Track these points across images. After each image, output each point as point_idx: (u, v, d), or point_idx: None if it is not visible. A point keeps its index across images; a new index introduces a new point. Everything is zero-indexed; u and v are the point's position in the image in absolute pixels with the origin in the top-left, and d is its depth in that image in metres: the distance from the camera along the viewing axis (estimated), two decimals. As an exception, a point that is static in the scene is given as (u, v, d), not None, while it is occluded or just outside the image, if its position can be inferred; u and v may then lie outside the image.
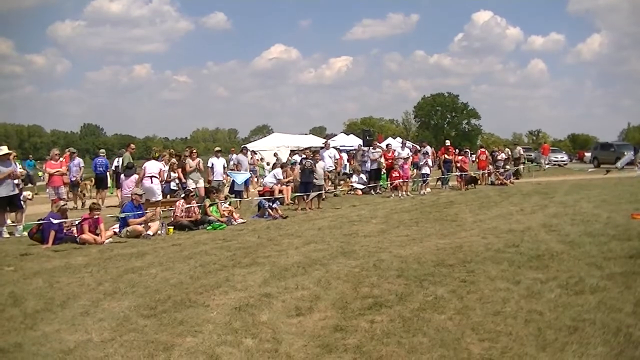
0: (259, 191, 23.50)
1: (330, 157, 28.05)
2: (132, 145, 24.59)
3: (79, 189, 27.16)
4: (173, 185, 22.83)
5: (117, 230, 16.27)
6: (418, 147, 35.04)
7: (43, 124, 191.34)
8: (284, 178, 24.15)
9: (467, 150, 39.82)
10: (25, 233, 15.97)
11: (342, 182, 30.42)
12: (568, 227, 14.83)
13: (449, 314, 7.68)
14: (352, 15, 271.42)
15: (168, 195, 22.34)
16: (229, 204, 20.34)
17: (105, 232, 15.33)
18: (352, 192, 28.57)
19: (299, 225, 17.34)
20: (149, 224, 16.32)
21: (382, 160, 29.45)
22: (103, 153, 29.76)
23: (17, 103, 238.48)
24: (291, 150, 36.38)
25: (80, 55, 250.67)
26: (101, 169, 26.76)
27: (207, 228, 17.26)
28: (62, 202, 16.71)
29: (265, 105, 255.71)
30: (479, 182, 31.84)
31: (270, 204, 20.23)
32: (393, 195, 26.36)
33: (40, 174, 31.08)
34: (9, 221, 17.22)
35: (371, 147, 31.47)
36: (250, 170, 28.88)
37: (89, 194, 28.77)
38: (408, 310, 7.92)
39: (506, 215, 17.84)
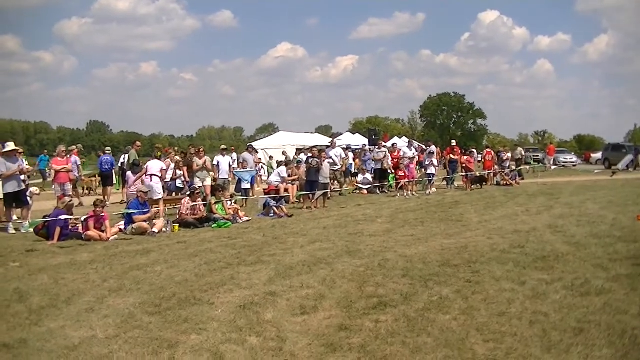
0: (264, 190, 23.48)
1: (336, 156, 28.02)
2: (138, 143, 24.70)
3: (83, 187, 27.33)
4: (179, 183, 22.87)
5: (122, 227, 16.31)
6: (424, 147, 35.03)
7: (49, 121, 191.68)
8: (288, 176, 24.13)
9: (474, 150, 39.80)
10: (31, 229, 16.01)
11: (347, 179, 30.46)
12: (574, 228, 14.81)
13: (453, 314, 7.66)
14: (359, 14, 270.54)
15: (174, 193, 22.41)
16: (235, 202, 20.34)
17: (110, 229, 15.38)
18: (358, 192, 28.55)
19: (304, 224, 17.35)
20: (154, 221, 16.35)
21: (389, 160, 29.34)
22: (109, 151, 29.75)
23: (24, 100, 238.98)
24: (297, 149, 36.37)
25: (86, 53, 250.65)
26: (107, 167, 26.81)
27: (213, 226, 17.28)
28: (67, 199, 16.73)
29: (271, 104, 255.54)
30: (486, 182, 31.78)
31: (276, 203, 20.23)
32: (399, 194, 26.33)
33: (47, 169, 31.14)
34: (15, 217, 17.26)
35: (376, 147, 31.48)
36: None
37: (94, 191, 28.90)
38: (413, 310, 7.91)
39: (512, 216, 17.81)
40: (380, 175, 29.40)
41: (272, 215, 19.63)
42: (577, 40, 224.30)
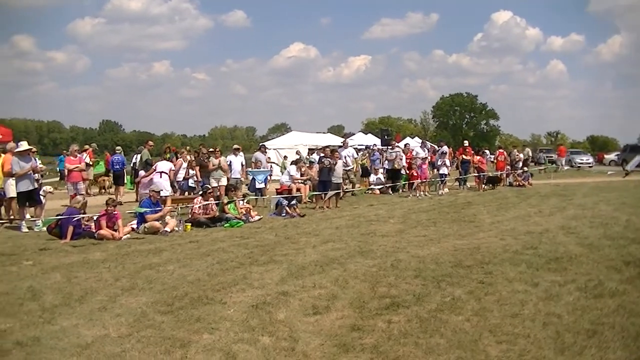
0: (276, 189, 23.48)
1: (348, 156, 27.99)
2: (151, 142, 24.77)
3: (100, 187, 27.46)
4: (191, 183, 22.89)
5: (134, 226, 16.33)
6: (436, 147, 34.99)
7: (62, 120, 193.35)
8: (299, 175, 24.12)
9: (486, 150, 39.70)
10: (44, 228, 16.04)
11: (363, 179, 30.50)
12: (587, 229, 14.78)
13: (466, 315, 7.65)
14: (371, 14, 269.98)
15: (186, 193, 22.44)
16: (247, 202, 20.35)
17: (123, 228, 15.40)
18: (370, 192, 28.52)
19: (316, 224, 17.33)
20: (167, 220, 16.37)
21: (403, 160, 29.30)
22: (120, 150, 29.92)
23: (37, 99, 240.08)
24: (309, 149, 36.39)
25: (99, 52, 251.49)
26: (118, 166, 26.94)
27: (225, 225, 17.27)
28: (80, 198, 16.76)
29: (283, 104, 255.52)
30: (500, 183, 31.70)
31: (288, 202, 20.23)
32: (411, 195, 26.31)
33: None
34: (28, 216, 17.33)
35: (389, 147, 31.47)
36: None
37: (107, 191, 28.99)
38: (425, 310, 7.90)
39: (524, 217, 17.77)
40: (393, 175, 29.38)
41: (284, 215, 19.62)
42: (590, 41, 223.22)
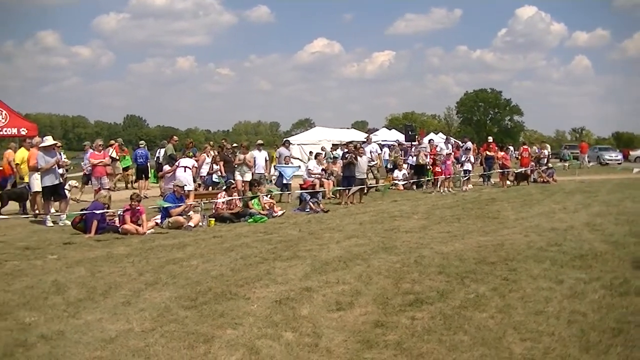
0: (300, 185, 23.48)
1: (372, 151, 27.96)
2: (175, 137, 24.77)
3: (126, 181, 27.61)
4: (215, 178, 22.95)
5: (158, 221, 16.39)
6: (460, 143, 34.86)
7: (87, 115, 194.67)
8: (318, 169, 24.08)
9: (510, 147, 39.51)
10: (69, 222, 16.14)
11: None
12: (612, 226, 14.68)
13: (490, 312, 7.62)
14: (395, 10, 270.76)
15: (210, 188, 22.50)
16: (271, 197, 20.35)
17: (147, 223, 15.46)
18: (394, 187, 28.47)
19: (340, 220, 17.32)
20: (190, 215, 16.41)
21: (427, 157, 29.28)
22: (143, 144, 30.16)
23: (62, 94, 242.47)
24: (333, 144, 36.35)
25: (124, 48, 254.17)
26: (142, 160, 27.14)
27: (249, 221, 17.28)
28: (104, 192, 16.84)
29: (307, 99, 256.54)
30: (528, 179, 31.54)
31: (312, 198, 20.22)
32: (435, 191, 26.27)
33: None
34: (53, 210, 17.43)
35: (417, 143, 31.52)
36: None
37: (131, 185, 29.15)
38: (449, 307, 7.87)
39: (549, 214, 17.67)
40: (418, 171, 29.33)
41: (308, 210, 19.62)
42: (616, 36, 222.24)
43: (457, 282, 9.24)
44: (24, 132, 28.95)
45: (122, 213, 15.46)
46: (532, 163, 32.77)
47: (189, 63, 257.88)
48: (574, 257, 10.89)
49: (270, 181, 26.58)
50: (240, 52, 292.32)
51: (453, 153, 30.58)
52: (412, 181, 28.81)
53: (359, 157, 22.36)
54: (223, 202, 17.88)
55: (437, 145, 31.78)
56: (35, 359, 6.31)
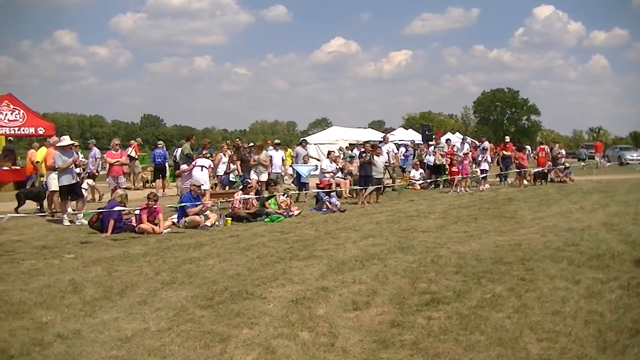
0: (317, 184, 23.47)
1: (388, 151, 27.96)
2: (193, 138, 24.87)
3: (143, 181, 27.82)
4: (232, 177, 22.99)
5: (175, 220, 16.42)
6: (477, 143, 34.78)
7: (104, 114, 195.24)
8: (332, 168, 24.03)
9: (527, 147, 39.39)
10: (85, 221, 16.20)
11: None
12: (630, 226, 14.61)
13: (507, 313, 7.59)
14: (412, 9, 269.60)
15: (227, 187, 22.54)
16: (288, 196, 20.35)
17: (163, 222, 15.49)
18: (410, 187, 28.44)
19: (356, 219, 17.31)
20: (207, 214, 16.44)
21: (443, 159, 29.25)
22: (161, 144, 30.30)
23: (80, 93, 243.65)
24: (350, 144, 36.34)
25: (141, 47, 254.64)
26: (160, 160, 27.33)
27: (265, 220, 17.29)
28: (120, 191, 16.90)
29: (323, 98, 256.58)
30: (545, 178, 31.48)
31: (329, 197, 20.22)
32: (451, 190, 26.23)
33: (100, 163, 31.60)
34: (69, 209, 17.51)
35: (433, 143, 31.51)
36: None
37: (150, 184, 29.30)
38: (466, 307, 7.85)
39: (566, 213, 17.60)
40: (435, 171, 29.30)
41: (324, 210, 19.61)
42: (634, 36, 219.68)
43: (473, 282, 9.21)
44: (41, 131, 29.27)
45: (139, 212, 15.51)
46: (549, 163, 32.66)
47: (206, 62, 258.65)
48: (591, 257, 10.85)
49: (284, 180, 26.58)
50: (257, 52, 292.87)
51: (470, 153, 30.54)
52: (429, 181, 28.75)
53: (375, 157, 22.35)
54: (240, 202, 17.91)
55: (454, 145, 31.68)
56: (51, 357, 6.33)
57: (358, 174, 23.27)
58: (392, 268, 10.32)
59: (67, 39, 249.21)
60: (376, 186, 22.30)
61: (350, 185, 23.91)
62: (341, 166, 24.82)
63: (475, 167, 29.45)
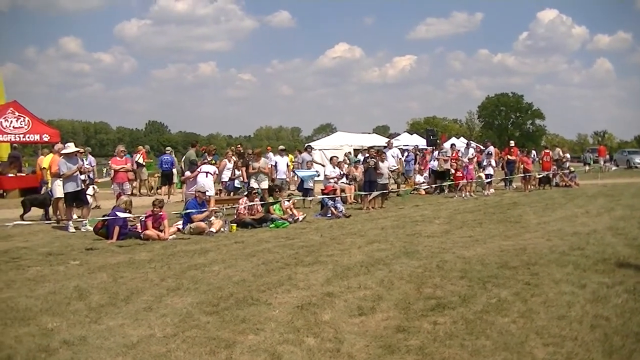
0: (322, 190, 23.47)
1: (393, 156, 27.96)
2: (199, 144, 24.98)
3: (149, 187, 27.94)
4: (237, 183, 23.01)
5: (180, 226, 16.44)
6: (482, 148, 34.79)
7: (109, 121, 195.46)
8: (335, 173, 23.98)
9: (533, 150, 39.37)
10: (91, 228, 16.21)
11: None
12: (635, 230, 14.58)
13: (512, 317, 7.57)
14: (416, 14, 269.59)
15: (232, 193, 22.56)
16: (292, 202, 20.34)
17: (168, 229, 15.50)
18: (415, 192, 28.45)
19: (362, 225, 17.31)
20: (212, 220, 16.45)
21: (448, 164, 29.23)
22: (169, 150, 30.44)
23: (85, 100, 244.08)
24: (355, 149, 36.35)
25: (146, 54, 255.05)
26: (167, 166, 27.51)
27: (270, 226, 17.32)
28: (124, 198, 16.92)
29: (328, 104, 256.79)
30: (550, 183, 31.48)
31: (334, 203, 20.22)
32: (456, 195, 26.22)
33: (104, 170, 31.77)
34: (75, 216, 17.55)
35: (440, 148, 31.52)
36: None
37: (156, 191, 29.40)
38: (471, 312, 7.83)
39: (571, 218, 17.58)
40: (439, 176, 29.30)
41: (329, 215, 19.61)
42: (638, 39, 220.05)
43: (479, 287, 9.19)
44: (46, 138, 29.37)
45: (144, 219, 15.53)
46: (554, 167, 32.63)
47: (210, 69, 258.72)
48: (596, 261, 10.82)
49: (289, 187, 26.60)
50: (262, 58, 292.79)
51: (475, 157, 30.53)
52: (433, 186, 28.74)
53: (380, 162, 22.37)
54: (245, 208, 17.92)
55: (458, 150, 31.67)
56: (57, 364, 6.35)
57: (363, 179, 23.26)
58: (397, 273, 10.30)
59: (72, 45, 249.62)
60: (381, 191, 22.30)
61: (355, 190, 23.90)
62: (346, 172, 24.79)
63: (481, 172, 29.43)
